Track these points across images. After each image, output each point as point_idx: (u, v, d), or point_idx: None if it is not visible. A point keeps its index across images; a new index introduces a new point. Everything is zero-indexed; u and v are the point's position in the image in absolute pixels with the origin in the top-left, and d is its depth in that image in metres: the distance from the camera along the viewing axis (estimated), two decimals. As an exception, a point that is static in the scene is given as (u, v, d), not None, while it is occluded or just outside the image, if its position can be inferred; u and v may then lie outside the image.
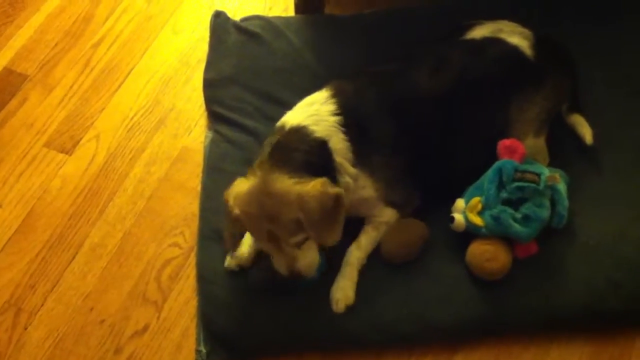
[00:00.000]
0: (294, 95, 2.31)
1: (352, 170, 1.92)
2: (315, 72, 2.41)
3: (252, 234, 1.84)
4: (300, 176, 1.78)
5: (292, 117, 1.93)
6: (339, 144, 1.90)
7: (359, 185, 1.94)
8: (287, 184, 1.76)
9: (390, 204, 2.00)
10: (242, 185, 1.82)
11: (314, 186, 1.76)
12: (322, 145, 1.87)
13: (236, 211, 1.81)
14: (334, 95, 1.96)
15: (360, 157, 1.93)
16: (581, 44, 2.30)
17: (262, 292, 1.97)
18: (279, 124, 1.94)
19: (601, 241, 1.99)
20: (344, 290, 1.94)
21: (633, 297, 1.92)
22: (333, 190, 1.78)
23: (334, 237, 1.84)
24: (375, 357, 1.96)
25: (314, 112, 1.92)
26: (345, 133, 1.91)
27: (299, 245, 1.81)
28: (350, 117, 1.92)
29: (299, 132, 1.88)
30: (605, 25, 2.42)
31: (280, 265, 1.85)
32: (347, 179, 1.91)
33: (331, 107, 1.93)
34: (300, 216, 1.76)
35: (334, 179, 1.86)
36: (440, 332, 1.94)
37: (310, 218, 1.76)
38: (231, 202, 1.82)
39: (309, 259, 1.84)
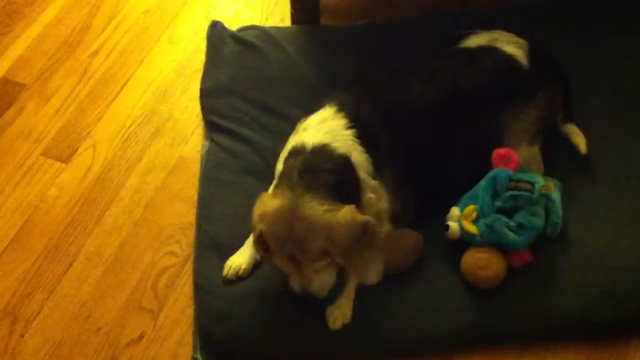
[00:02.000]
0: (290, 106, 2.35)
1: (373, 183, 1.92)
2: (311, 82, 2.42)
3: (273, 252, 1.82)
4: (331, 202, 1.77)
5: (310, 137, 1.90)
6: (359, 157, 1.90)
7: (378, 197, 1.94)
8: (318, 212, 1.75)
9: (391, 216, 2.00)
10: (270, 204, 1.81)
11: (344, 215, 1.75)
12: (346, 162, 1.87)
13: (261, 227, 1.80)
14: (340, 110, 1.95)
15: (377, 168, 1.93)
16: (576, 54, 2.33)
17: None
18: (295, 145, 1.91)
19: (595, 250, 2.00)
20: (341, 309, 1.93)
21: (626, 306, 1.93)
22: (361, 218, 1.77)
23: (373, 269, 1.85)
24: (370, 365, 1.96)
25: (328, 128, 1.91)
26: (362, 145, 1.91)
27: (317, 269, 1.81)
28: (361, 128, 1.93)
29: (323, 151, 1.86)
30: (601, 36, 2.44)
31: (294, 284, 1.84)
32: (370, 195, 1.91)
33: (342, 121, 1.93)
34: (327, 245, 1.75)
35: (358, 197, 1.87)
36: (436, 342, 1.94)
37: (338, 247, 1.76)
38: (257, 217, 1.82)
39: (323, 280, 1.83)
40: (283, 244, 1.78)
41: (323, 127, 1.92)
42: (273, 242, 1.80)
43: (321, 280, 1.83)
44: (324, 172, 1.83)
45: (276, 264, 1.87)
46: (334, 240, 1.75)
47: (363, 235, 1.77)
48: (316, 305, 1.92)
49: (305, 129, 1.96)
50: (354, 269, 1.85)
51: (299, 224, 1.75)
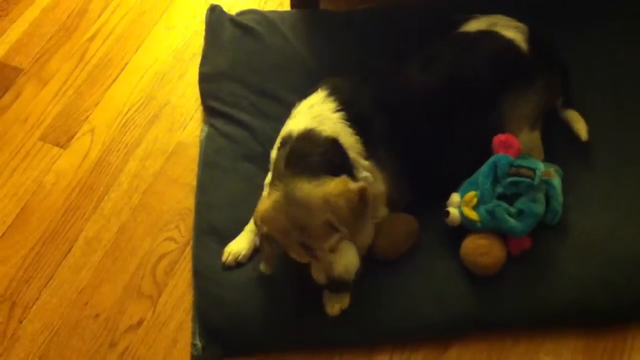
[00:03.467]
0: (288, 90, 2.33)
1: (366, 163, 1.91)
2: (309, 67, 2.41)
3: (286, 249, 1.82)
4: (320, 178, 1.77)
5: (296, 124, 1.91)
6: (348, 139, 1.89)
7: (373, 177, 1.93)
8: (309, 189, 1.75)
9: (388, 200, 1.99)
10: (266, 203, 1.80)
11: (336, 185, 1.76)
12: (333, 143, 1.86)
13: (265, 230, 1.79)
14: (331, 94, 1.95)
15: (369, 150, 1.92)
16: (577, 43, 2.32)
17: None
18: (284, 134, 1.92)
19: (592, 238, 1.99)
20: (338, 294, 1.92)
21: (623, 294, 1.93)
22: (355, 185, 1.78)
23: (365, 237, 1.85)
24: (367, 352, 1.96)
25: (316, 113, 1.91)
26: (351, 127, 1.90)
27: (333, 250, 1.79)
28: (352, 111, 1.92)
29: (308, 136, 1.86)
30: (601, 25, 2.42)
31: (318, 275, 1.82)
32: (365, 174, 1.90)
33: (331, 104, 1.93)
34: (329, 217, 1.74)
35: (352, 175, 1.85)
36: (433, 329, 1.94)
37: (340, 216, 1.75)
38: (259, 221, 1.81)
39: (345, 260, 1.81)
40: (288, 235, 1.77)
41: (311, 112, 1.93)
42: (281, 238, 1.79)
43: (343, 262, 1.80)
44: (310, 155, 1.83)
45: (293, 260, 1.85)
46: (334, 209, 1.74)
47: (359, 202, 1.77)
48: (314, 292, 1.91)
49: (295, 116, 1.96)
50: (354, 236, 1.82)
51: (296, 208, 1.75)
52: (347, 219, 1.76)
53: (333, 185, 1.76)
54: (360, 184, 1.80)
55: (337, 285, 1.82)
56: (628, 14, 2.45)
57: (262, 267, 1.96)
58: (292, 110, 2.02)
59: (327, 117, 1.90)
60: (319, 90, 1.98)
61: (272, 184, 1.85)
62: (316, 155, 1.82)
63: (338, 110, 1.92)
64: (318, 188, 1.75)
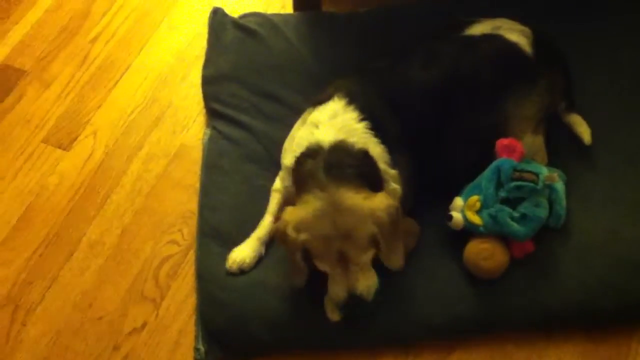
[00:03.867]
0: (291, 92, 2.34)
1: (393, 172, 1.92)
2: (312, 69, 2.41)
3: (318, 257, 1.80)
4: (364, 191, 1.78)
5: (325, 135, 1.88)
6: (376, 149, 1.89)
7: (399, 185, 1.94)
8: (358, 200, 1.75)
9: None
10: (302, 212, 1.79)
11: (381, 201, 1.77)
12: (365, 156, 1.87)
13: (303, 237, 1.77)
14: (350, 102, 1.93)
15: (392, 158, 1.93)
16: (578, 43, 2.31)
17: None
18: (309, 145, 1.88)
19: (595, 240, 1.99)
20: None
21: (626, 297, 1.93)
22: (394, 203, 1.79)
23: (399, 255, 1.85)
24: (370, 356, 1.96)
25: (341, 124, 1.90)
26: (375, 136, 1.90)
27: (364, 266, 1.80)
28: (373, 119, 1.91)
29: (342, 147, 1.85)
30: (603, 28, 2.42)
31: (338, 291, 1.81)
32: (394, 186, 1.91)
33: (353, 114, 1.91)
34: (375, 230, 1.75)
35: (382, 189, 1.87)
36: (436, 332, 1.94)
37: (384, 232, 1.76)
38: (292, 231, 1.78)
39: (369, 281, 1.82)
40: (329, 242, 1.75)
41: (336, 123, 1.90)
42: (318, 245, 1.77)
43: (367, 280, 1.81)
44: (349, 167, 1.82)
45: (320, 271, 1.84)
46: (379, 224, 1.75)
47: (396, 221, 1.79)
48: (316, 296, 1.91)
49: (317, 126, 1.92)
50: (390, 254, 1.83)
51: (343, 216, 1.74)
52: (388, 235, 1.77)
53: (378, 201, 1.77)
54: (396, 202, 1.81)
55: (354, 303, 1.81)
56: (630, 10, 2.46)
57: (229, 263, 2.00)
58: (305, 115, 2.01)
59: (353, 127, 1.89)
60: (336, 98, 1.95)
61: (307, 193, 1.81)
62: (354, 168, 1.82)
63: (362, 120, 1.90)
64: (366, 201, 1.76)
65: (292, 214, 1.81)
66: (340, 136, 1.87)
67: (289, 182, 1.97)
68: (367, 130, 1.90)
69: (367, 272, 1.82)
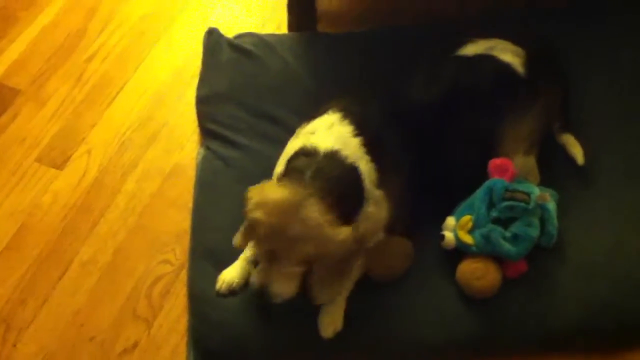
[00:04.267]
0: (287, 113, 2.34)
1: (376, 193, 1.91)
2: (308, 90, 2.41)
3: (257, 241, 1.81)
4: (335, 215, 1.75)
5: (321, 141, 1.88)
6: (365, 166, 1.89)
7: (379, 207, 1.92)
8: (321, 220, 1.73)
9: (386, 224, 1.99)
10: (273, 193, 1.78)
11: (343, 234, 1.74)
12: (354, 172, 1.86)
13: (254, 215, 1.76)
14: (345, 116, 1.94)
15: (380, 177, 1.92)
16: (578, 43, 2.32)
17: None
18: (306, 146, 1.89)
19: (593, 259, 1.99)
20: (332, 316, 1.92)
21: (625, 316, 1.92)
22: (354, 245, 1.76)
23: (325, 295, 1.84)
24: (366, 375, 1.96)
25: (337, 134, 1.90)
26: (368, 153, 1.90)
27: (290, 274, 1.79)
28: (367, 136, 1.91)
29: (334, 158, 1.85)
30: (603, 26, 2.43)
31: (256, 278, 1.82)
32: (372, 208, 1.89)
33: (349, 127, 1.92)
34: (313, 254, 1.73)
35: (360, 209, 1.85)
36: (431, 351, 1.93)
37: (322, 262, 1.75)
38: (254, 204, 1.78)
39: (285, 289, 1.81)
40: (271, 235, 1.75)
41: (332, 132, 1.91)
42: (262, 229, 1.76)
43: (283, 288, 1.80)
44: (334, 179, 1.81)
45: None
46: (324, 253, 1.73)
47: (345, 261, 1.78)
48: (311, 315, 1.91)
49: (312, 133, 1.93)
50: (317, 285, 1.81)
51: (298, 221, 1.72)
52: (326, 270, 1.76)
53: (338, 232, 1.74)
54: (356, 247, 1.77)
55: (262, 297, 1.81)
56: (630, 11, 2.47)
57: (219, 285, 2.00)
58: (299, 129, 2.01)
59: (348, 140, 1.89)
60: (330, 111, 1.97)
61: (288, 181, 1.81)
62: (339, 181, 1.81)
63: (356, 135, 1.91)
64: (327, 225, 1.73)
65: (266, 189, 1.80)
66: (337, 146, 1.87)
67: None
68: (361, 146, 1.90)
69: (289, 279, 1.80)
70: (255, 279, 1.82)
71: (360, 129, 1.91)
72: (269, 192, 1.78)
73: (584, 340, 1.94)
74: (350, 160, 1.87)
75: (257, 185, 1.83)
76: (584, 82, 2.29)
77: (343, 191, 1.81)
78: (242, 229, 1.90)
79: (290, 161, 1.90)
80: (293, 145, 1.95)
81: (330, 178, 1.81)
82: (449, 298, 1.97)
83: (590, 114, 2.25)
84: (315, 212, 1.73)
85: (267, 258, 1.79)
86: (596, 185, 2.14)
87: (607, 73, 2.34)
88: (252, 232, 1.81)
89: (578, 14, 2.47)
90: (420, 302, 1.97)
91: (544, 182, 2.08)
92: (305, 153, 1.87)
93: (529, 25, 2.22)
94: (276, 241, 1.75)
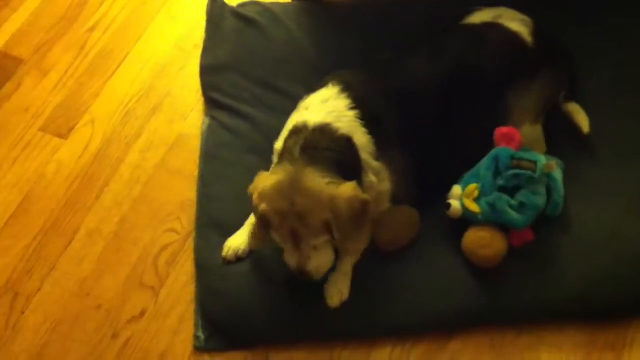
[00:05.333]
0: (291, 84, 2.33)
1: (375, 164, 1.91)
2: (312, 61, 2.40)
3: (274, 229, 1.81)
4: (332, 177, 1.76)
5: (313, 116, 1.88)
6: (362, 138, 1.88)
7: (380, 178, 1.92)
8: (320, 184, 1.74)
9: (392, 197, 1.99)
10: (268, 180, 1.79)
11: (346, 189, 1.75)
12: (348, 142, 1.86)
13: (262, 207, 1.78)
14: (344, 90, 1.93)
15: (380, 149, 1.91)
16: (581, 36, 2.30)
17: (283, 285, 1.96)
18: (297, 124, 1.89)
19: (597, 232, 1.99)
20: (338, 286, 1.93)
21: (628, 288, 1.93)
22: (363, 196, 1.77)
23: (359, 245, 1.86)
24: (370, 343, 1.96)
25: (331, 108, 1.90)
26: (365, 126, 1.89)
27: (316, 248, 1.80)
28: (365, 110, 1.91)
29: (325, 130, 1.85)
30: (606, 18, 2.40)
31: (291, 260, 1.83)
32: (372, 178, 1.90)
33: (346, 101, 1.91)
34: (329, 218, 1.74)
35: (359, 179, 1.85)
36: (436, 323, 1.95)
37: (339, 221, 1.75)
38: (256, 198, 1.80)
39: (321, 262, 1.83)
40: (284, 218, 1.76)
41: (326, 107, 1.91)
42: (274, 218, 1.77)
43: (319, 261, 1.83)
44: (326, 150, 1.81)
45: (276, 242, 1.85)
46: (336, 213, 1.74)
47: (361, 214, 1.77)
48: (316, 285, 1.92)
49: (307, 108, 1.94)
50: (344, 243, 1.84)
51: (301, 196, 1.74)
52: (345, 226, 1.76)
53: (343, 189, 1.75)
54: (366, 196, 1.79)
55: (303, 278, 1.83)
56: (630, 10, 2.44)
57: (225, 251, 2.01)
58: (300, 103, 2.00)
59: (342, 114, 1.89)
60: (330, 85, 1.96)
61: (279, 165, 1.83)
62: (331, 152, 1.81)
63: (352, 108, 1.90)
64: (329, 186, 1.75)
65: (261, 180, 1.82)
66: (327, 120, 1.87)
67: None
68: (356, 119, 1.89)
69: (320, 251, 1.82)
70: (290, 261, 1.83)
71: (358, 102, 1.91)
72: (265, 181, 1.80)
73: (585, 311, 1.95)
74: (342, 132, 1.86)
75: (256, 177, 1.85)
76: (589, 64, 2.27)
77: (337, 160, 1.81)
78: (251, 230, 1.93)
79: (286, 141, 1.90)
80: (291, 121, 1.95)
81: (322, 149, 1.81)
82: (451, 270, 1.97)
83: (594, 92, 2.24)
84: (312, 180, 1.75)
85: (291, 240, 1.79)
86: (601, 159, 2.13)
87: (609, 62, 2.32)
88: (266, 224, 1.82)
89: (579, 12, 2.44)
90: (424, 272, 1.98)
91: (549, 154, 2.08)
92: (296, 131, 1.88)
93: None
94: (290, 222, 1.75)
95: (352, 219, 1.76)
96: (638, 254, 1.95)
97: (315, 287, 1.93)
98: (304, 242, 1.78)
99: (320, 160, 1.78)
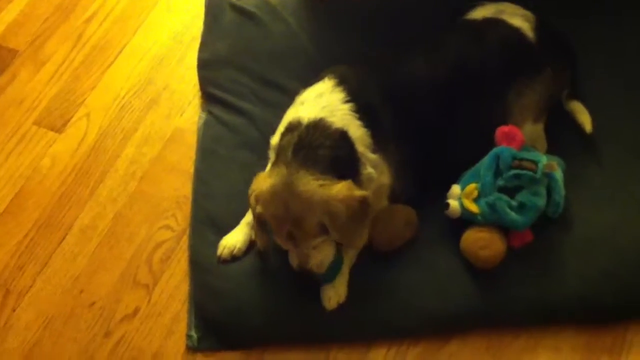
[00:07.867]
0: (289, 79, 2.30)
1: (373, 157, 1.90)
2: (311, 54, 2.38)
3: (272, 230, 1.83)
4: (326, 177, 1.76)
5: (306, 112, 1.87)
6: (357, 131, 1.87)
7: (379, 171, 1.91)
8: (313, 187, 1.74)
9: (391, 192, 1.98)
10: (264, 183, 1.80)
11: (340, 190, 1.75)
12: (343, 136, 1.84)
13: (259, 209, 1.80)
14: (339, 83, 1.92)
15: (377, 142, 1.90)
16: (583, 34, 2.27)
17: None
18: (291, 120, 1.89)
19: (597, 232, 1.97)
20: (335, 288, 1.91)
21: (627, 290, 1.91)
22: (359, 193, 1.77)
23: (360, 240, 1.86)
24: (365, 344, 1.94)
25: (325, 103, 1.89)
26: (359, 119, 1.88)
27: (315, 247, 1.81)
28: (361, 103, 1.89)
29: (318, 126, 1.84)
30: (607, 16, 2.38)
31: (292, 260, 1.85)
32: (370, 170, 1.89)
33: (340, 95, 1.90)
34: (324, 220, 1.75)
35: (357, 172, 1.85)
36: (432, 324, 1.93)
37: (335, 222, 1.75)
38: (253, 200, 1.81)
39: (321, 257, 1.83)
40: (280, 222, 1.77)
41: (320, 102, 1.90)
42: (271, 221, 1.80)
43: (319, 257, 1.83)
44: (320, 147, 1.80)
45: (277, 243, 1.86)
46: (332, 214, 1.74)
47: (359, 211, 1.77)
48: (312, 285, 1.90)
49: (302, 103, 1.93)
50: (345, 239, 1.85)
51: (295, 201, 1.74)
52: (342, 225, 1.76)
53: (337, 190, 1.74)
54: (363, 192, 1.78)
55: (307, 275, 1.84)
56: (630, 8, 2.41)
57: (220, 250, 2.00)
58: (296, 98, 1.98)
59: (336, 107, 1.88)
60: (326, 79, 1.95)
61: (275, 166, 1.83)
62: (325, 148, 1.80)
63: (347, 102, 1.89)
64: (322, 188, 1.74)
65: (258, 182, 1.83)
66: (321, 114, 1.86)
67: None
68: (351, 112, 1.88)
69: (320, 249, 1.82)
70: (292, 260, 1.85)
71: (353, 96, 1.89)
72: (262, 184, 1.81)
73: (585, 313, 1.93)
74: (336, 125, 1.85)
75: (254, 179, 1.85)
76: (592, 63, 2.24)
77: (332, 156, 1.80)
78: (253, 225, 1.93)
79: (281, 138, 1.89)
80: (287, 116, 1.94)
81: (315, 146, 1.80)
82: (452, 270, 1.95)
83: (597, 91, 2.21)
84: (305, 183, 1.74)
85: (290, 241, 1.80)
86: (602, 159, 2.11)
87: (609, 62, 2.29)
88: (264, 225, 1.84)
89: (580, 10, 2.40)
90: (422, 273, 1.96)
91: (549, 153, 2.05)
92: (291, 128, 1.87)
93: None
94: (286, 225, 1.76)
95: (351, 217, 1.76)
96: (638, 255, 1.93)
97: (312, 288, 1.91)
98: (301, 243, 1.79)
99: (313, 161, 1.78)
